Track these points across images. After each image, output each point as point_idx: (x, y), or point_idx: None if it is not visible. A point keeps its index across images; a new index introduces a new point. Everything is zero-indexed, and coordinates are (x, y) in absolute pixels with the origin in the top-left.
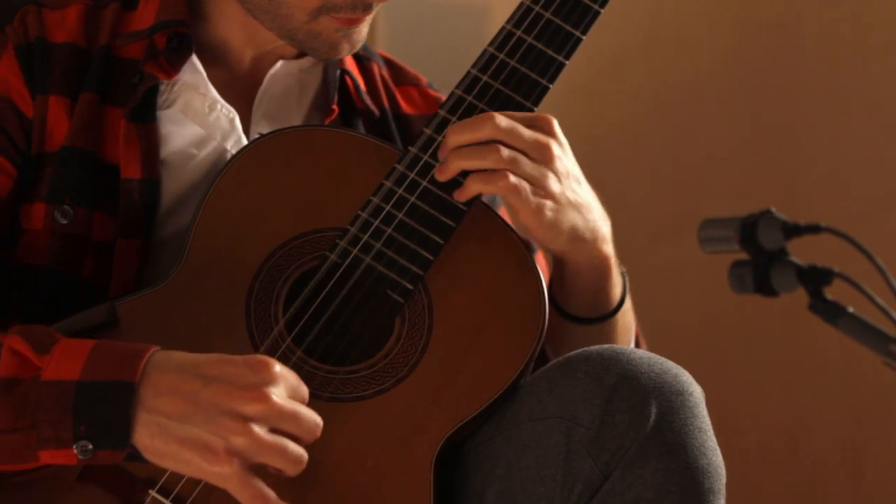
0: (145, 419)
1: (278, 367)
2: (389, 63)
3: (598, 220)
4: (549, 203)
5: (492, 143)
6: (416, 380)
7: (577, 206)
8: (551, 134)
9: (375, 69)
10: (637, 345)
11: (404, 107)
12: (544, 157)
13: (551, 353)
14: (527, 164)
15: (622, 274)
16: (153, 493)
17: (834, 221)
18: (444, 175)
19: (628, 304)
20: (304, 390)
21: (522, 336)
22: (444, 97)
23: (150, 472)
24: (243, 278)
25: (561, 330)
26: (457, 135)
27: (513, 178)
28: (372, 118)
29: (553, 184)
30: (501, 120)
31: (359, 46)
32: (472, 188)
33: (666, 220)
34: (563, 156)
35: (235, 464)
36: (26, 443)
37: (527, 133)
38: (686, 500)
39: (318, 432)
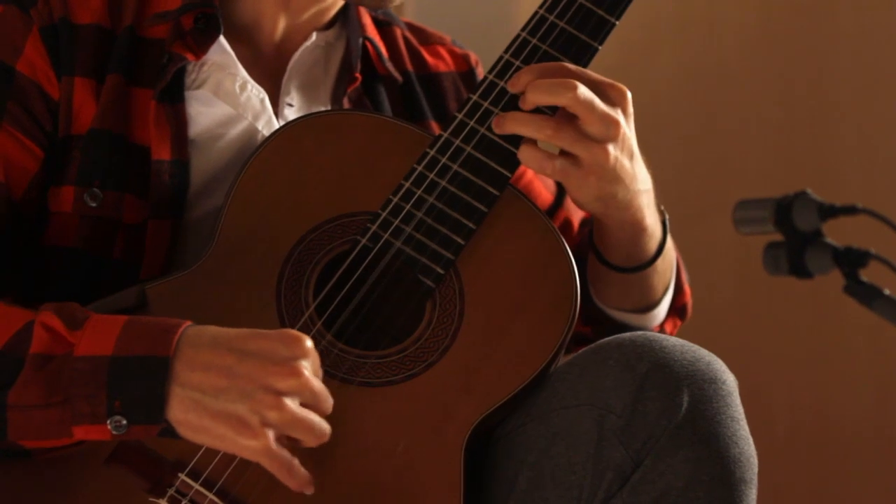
0: (179, 394)
1: (309, 342)
2: (411, 26)
3: (638, 189)
4: (592, 178)
5: (550, 116)
6: (446, 365)
7: (621, 179)
8: (623, 109)
9: (398, 33)
10: (678, 276)
11: (432, 65)
12: (609, 135)
13: (595, 294)
14: (583, 145)
15: (662, 222)
16: (183, 475)
17: (864, 203)
18: (500, 128)
19: (668, 243)
20: (321, 371)
21: (553, 322)
22: (470, 52)
23: (180, 455)
24: (274, 262)
25: (601, 273)
26: (535, 94)
27: (558, 164)
28: (395, 84)
29: (606, 161)
30: (583, 92)
31: None
32: (521, 159)
33: (695, 203)
34: (628, 131)
35: (268, 437)
36: (60, 418)
37: (600, 109)
38: (717, 489)
39: (330, 409)
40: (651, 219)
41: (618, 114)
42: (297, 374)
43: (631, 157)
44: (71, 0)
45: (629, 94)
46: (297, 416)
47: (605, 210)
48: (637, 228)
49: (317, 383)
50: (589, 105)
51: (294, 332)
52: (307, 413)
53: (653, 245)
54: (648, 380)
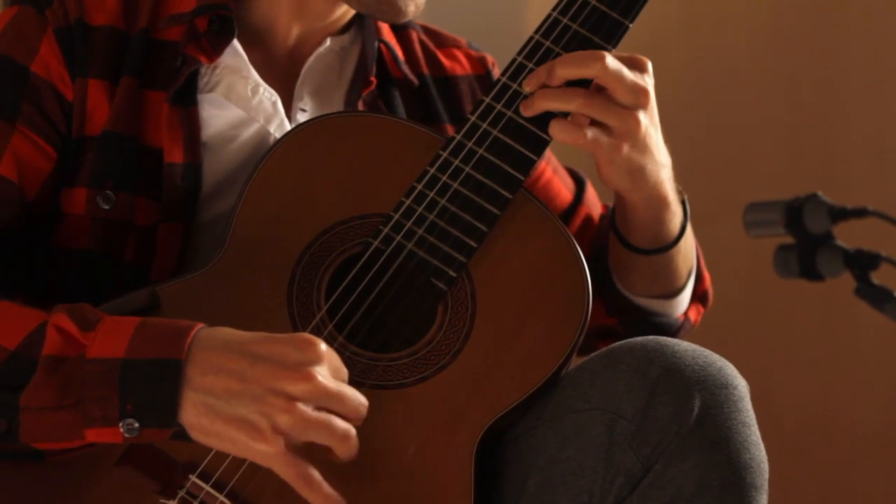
0: (192, 398)
1: (323, 346)
2: (427, 29)
3: (662, 163)
4: (626, 146)
5: (579, 88)
6: (458, 367)
7: (649, 150)
8: (648, 76)
9: (414, 36)
10: (698, 262)
11: (448, 67)
12: (639, 102)
13: (618, 280)
14: (615, 113)
15: (682, 202)
16: (193, 477)
17: (874, 205)
18: (529, 111)
19: (688, 229)
20: (345, 371)
21: (565, 325)
22: (486, 55)
23: (191, 457)
24: (285, 264)
25: (626, 259)
26: (564, 67)
27: (590, 134)
28: (410, 87)
29: (637, 128)
30: (611, 62)
31: (422, 7)
32: (552, 133)
33: (703, 204)
34: (653, 100)
35: (281, 442)
36: (72, 421)
37: (629, 78)
38: (727, 495)
39: (364, 412)
40: (673, 195)
41: (645, 83)
42: (309, 378)
43: (656, 127)
44: (86, 1)
45: (650, 65)
46: (310, 420)
47: (633, 185)
48: (662, 204)
49: (334, 386)
50: (618, 74)
51: (307, 335)
52: (324, 416)
53: (676, 223)
54: (660, 384)
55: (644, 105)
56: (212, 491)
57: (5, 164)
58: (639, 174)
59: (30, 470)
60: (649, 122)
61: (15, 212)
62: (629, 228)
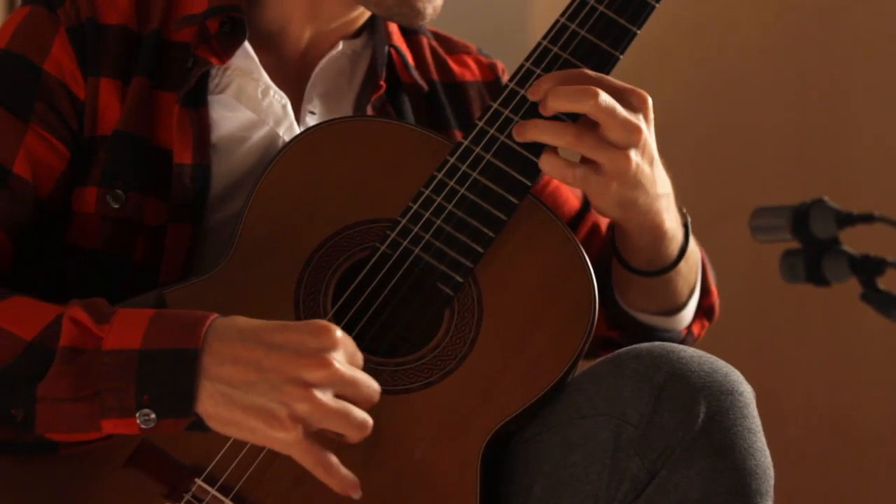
0: (209, 388)
1: (339, 333)
2: (438, 35)
3: (658, 194)
4: (615, 184)
5: (570, 123)
6: (464, 373)
7: (642, 185)
8: (644, 115)
9: (424, 41)
10: (705, 276)
11: (458, 73)
12: (631, 141)
13: (620, 298)
14: (605, 151)
15: (684, 225)
16: (199, 480)
17: (881, 208)
18: (521, 136)
19: (692, 245)
20: (360, 356)
21: (571, 332)
22: (496, 62)
23: (197, 460)
24: (293, 268)
25: (625, 277)
26: (557, 100)
27: (579, 173)
28: (420, 93)
29: (627, 167)
30: (604, 99)
31: (439, 10)
32: (542, 167)
33: (709, 207)
34: (649, 137)
35: (299, 430)
36: (89, 412)
37: (621, 115)
38: (733, 501)
39: (377, 398)
40: (671, 222)
41: (639, 120)
42: (326, 365)
43: (651, 162)
44: (98, 1)
45: (650, 101)
46: (328, 408)
47: (626, 215)
48: (657, 233)
49: (350, 372)
50: (611, 112)
51: (322, 322)
52: (341, 404)
53: (674, 248)
54: (665, 391)
55: (636, 143)
56: (218, 494)
57: (20, 163)
58: (630, 206)
59: (37, 469)
60: (640, 159)
61: (30, 210)
62: (626, 250)
